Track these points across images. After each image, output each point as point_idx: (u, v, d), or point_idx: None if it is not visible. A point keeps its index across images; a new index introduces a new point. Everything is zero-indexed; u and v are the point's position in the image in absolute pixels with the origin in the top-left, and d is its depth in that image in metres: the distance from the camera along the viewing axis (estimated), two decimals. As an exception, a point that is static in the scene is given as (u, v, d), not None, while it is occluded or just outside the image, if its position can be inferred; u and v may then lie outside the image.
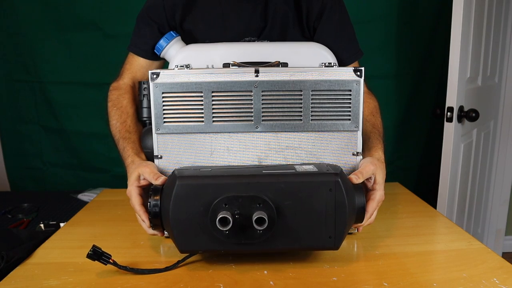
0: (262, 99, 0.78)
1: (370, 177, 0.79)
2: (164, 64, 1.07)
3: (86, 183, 2.07)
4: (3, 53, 2.01)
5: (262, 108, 0.79)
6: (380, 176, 0.80)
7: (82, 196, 1.90)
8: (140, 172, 0.79)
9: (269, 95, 0.78)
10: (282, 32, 1.03)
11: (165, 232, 0.77)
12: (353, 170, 0.81)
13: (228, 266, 0.75)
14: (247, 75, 0.78)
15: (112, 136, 0.96)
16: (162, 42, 0.98)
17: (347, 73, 0.78)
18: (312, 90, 0.78)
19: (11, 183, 2.18)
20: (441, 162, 1.55)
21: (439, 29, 1.95)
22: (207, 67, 0.88)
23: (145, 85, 0.98)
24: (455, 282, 0.69)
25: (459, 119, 1.52)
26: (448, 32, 1.46)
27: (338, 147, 0.81)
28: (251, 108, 0.79)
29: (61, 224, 1.01)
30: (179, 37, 0.99)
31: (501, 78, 2.04)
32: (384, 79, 1.98)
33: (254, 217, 0.66)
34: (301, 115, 0.79)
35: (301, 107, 0.79)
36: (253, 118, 0.79)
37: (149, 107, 0.96)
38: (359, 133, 0.81)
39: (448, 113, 1.49)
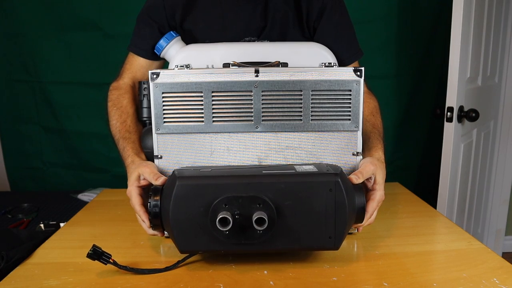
0: (262, 99, 0.78)
1: (370, 177, 0.79)
2: (164, 64, 1.07)
3: (86, 183, 2.07)
4: (3, 53, 2.02)
5: (262, 108, 0.79)
6: (380, 176, 0.80)
7: (82, 196, 1.90)
8: (140, 172, 0.79)
9: (269, 95, 0.78)
10: (282, 32, 1.03)
11: (165, 232, 0.77)
12: (353, 170, 0.81)
13: (228, 266, 0.75)
14: (247, 75, 0.78)
15: (112, 136, 0.96)
16: (162, 42, 0.98)
17: (347, 73, 0.78)
18: (312, 90, 0.78)
19: (11, 183, 2.18)
20: (441, 162, 1.55)
21: (439, 29, 1.95)
22: (207, 67, 0.88)
23: (145, 85, 0.98)
24: (455, 282, 0.69)
25: (459, 119, 1.52)
26: (448, 32, 1.46)
27: (338, 147, 0.81)
28: (251, 108, 0.79)
29: (61, 224, 1.01)
30: (179, 37, 0.99)
31: (501, 78, 2.04)
32: (384, 79, 1.98)
33: (254, 217, 0.66)
34: (301, 115, 0.79)
35: (301, 107, 0.79)
36: (253, 118, 0.79)
37: (149, 107, 0.96)
38: (359, 133, 0.81)
39: (448, 113, 1.49)
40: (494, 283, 0.68)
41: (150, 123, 0.87)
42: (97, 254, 0.71)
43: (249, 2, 1.02)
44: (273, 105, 0.79)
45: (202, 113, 0.79)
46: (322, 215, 0.68)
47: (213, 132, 0.80)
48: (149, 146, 0.88)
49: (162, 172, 0.80)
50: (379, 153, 0.86)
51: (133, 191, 0.78)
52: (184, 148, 0.80)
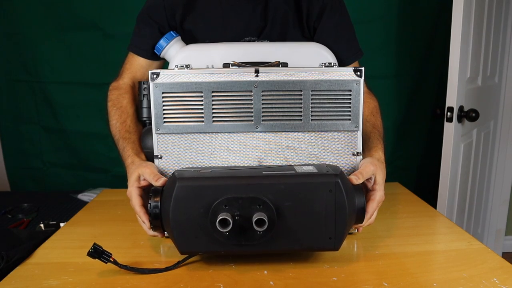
0: (262, 99, 0.78)
1: (370, 178, 0.79)
2: (164, 64, 1.07)
3: (86, 183, 2.07)
4: (3, 53, 2.01)
5: (262, 108, 0.79)
6: (380, 176, 0.80)
7: (82, 196, 1.90)
8: (140, 173, 0.79)
9: (269, 95, 0.78)
10: (282, 32, 1.03)
11: (165, 233, 0.77)
12: (353, 170, 0.81)
13: (228, 266, 0.75)
14: (247, 75, 0.78)
15: (112, 136, 0.96)
16: (162, 42, 0.98)
17: (347, 73, 0.78)
18: (312, 90, 0.78)
19: (11, 183, 2.18)
20: (441, 162, 1.55)
21: (439, 29, 1.95)
22: (207, 67, 0.88)
23: (145, 85, 0.98)
24: (455, 282, 0.69)
25: (459, 119, 1.52)
26: (448, 32, 1.46)
27: (338, 147, 0.81)
28: (251, 108, 0.79)
29: (61, 224, 1.01)
30: (179, 37, 0.99)
31: (501, 78, 2.04)
32: (384, 79, 1.98)
33: (254, 219, 0.66)
34: (301, 115, 0.79)
35: (301, 107, 0.79)
36: (253, 118, 0.79)
37: (149, 107, 0.96)
38: (359, 133, 0.81)
39: (448, 113, 1.49)
40: (494, 283, 0.68)
41: (150, 123, 0.86)
42: (97, 252, 0.70)
43: (249, 2, 1.02)
44: (273, 105, 0.79)
45: (202, 113, 0.79)
46: (322, 216, 0.68)
47: (213, 132, 0.80)
48: (149, 146, 0.88)
49: (162, 172, 0.80)
50: (379, 153, 0.86)
51: (133, 192, 0.78)
52: (184, 148, 0.80)
